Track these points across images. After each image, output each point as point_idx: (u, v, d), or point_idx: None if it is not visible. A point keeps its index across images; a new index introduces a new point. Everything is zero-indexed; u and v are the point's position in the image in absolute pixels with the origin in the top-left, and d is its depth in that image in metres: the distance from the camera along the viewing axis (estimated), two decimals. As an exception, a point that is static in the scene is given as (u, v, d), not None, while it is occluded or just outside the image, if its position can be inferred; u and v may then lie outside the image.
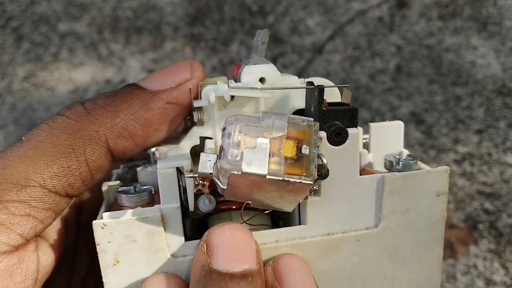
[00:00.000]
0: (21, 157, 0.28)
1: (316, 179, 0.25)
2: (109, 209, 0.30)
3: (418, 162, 0.32)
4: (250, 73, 0.31)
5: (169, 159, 0.29)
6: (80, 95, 1.18)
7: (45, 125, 0.29)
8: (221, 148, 0.24)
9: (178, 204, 0.28)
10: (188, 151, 0.31)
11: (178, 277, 0.29)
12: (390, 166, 0.32)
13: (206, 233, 0.27)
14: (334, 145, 0.28)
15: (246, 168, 0.23)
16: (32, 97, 1.19)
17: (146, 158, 0.35)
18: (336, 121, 0.28)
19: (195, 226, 0.33)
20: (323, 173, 0.26)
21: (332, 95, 0.32)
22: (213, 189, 0.28)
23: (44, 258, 0.30)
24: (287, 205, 0.26)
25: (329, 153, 0.28)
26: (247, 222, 0.29)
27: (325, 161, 0.26)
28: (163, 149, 0.31)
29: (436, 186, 0.30)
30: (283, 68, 1.20)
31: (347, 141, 0.28)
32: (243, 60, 0.33)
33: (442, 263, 0.33)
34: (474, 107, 1.13)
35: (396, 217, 0.30)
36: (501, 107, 1.12)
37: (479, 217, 0.94)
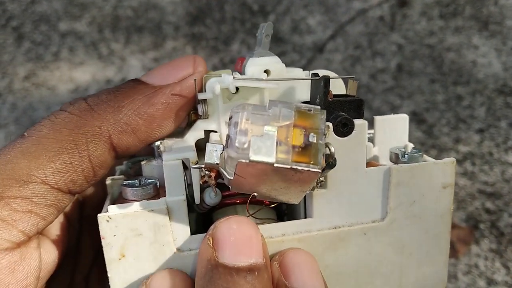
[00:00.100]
0: (24, 153, 0.27)
1: (324, 168, 0.25)
2: (113, 203, 0.30)
3: (424, 155, 0.32)
4: (255, 65, 0.31)
5: (175, 151, 0.29)
6: (80, 95, 1.17)
7: (47, 120, 0.29)
8: (228, 137, 0.24)
9: (184, 197, 0.28)
10: (193, 143, 0.31)
11: (183, 273, 0.29)
12: (395, 159, 0.31)
13: (212, 227, 0.27)
14: (340, 136, 0.28)
15: (253, 156, 0.22)
16: (32, 96, 1.19)
17: (149, 155, 0.34)
18: (342, 112, 0.28)
19: (200, 221, 0.33)
20: (330, 162, 0.26)
21: (337, 87, 0.32)
22: (218, 183, 0.28)
23: (46, 255, 0.30)
24: (294, 197, 0.26)
25: (335, 144, 0.27)
26: (253, 215, 0.29)
27: (332, 149, 0.25)
28: (168, 142, 0.31)
29: (442, 178, 0.30)
30: (284, 68, 1.20)
31: (354, 132, 0.28)
32: (247, 53, 0.33)
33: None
34: (475, 106, 1.13)
35: (402, 209, 0.30)
36: (502, 106, 1.12)
37: (480, 216, 0.94)
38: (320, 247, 0.30)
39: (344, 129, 0.28)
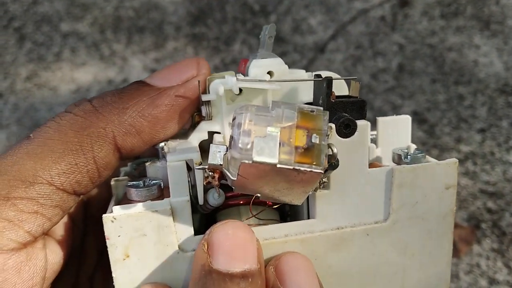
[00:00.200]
0: (29, 154, 0.28)
1: (327, 169, 0.25)
2: (118, 204, 0.30)
3: (426, 156, 0.32)
4: (258, 66, 0.31)
5: (179, 153, 0.29)
6: (82, 95, 1.18)
7: (53, 122, 0.29)
8: (231, 138, 0.24)
9: (187, 198, 0.28)
10: (197, 144, 0.31)
11: (166, 286, 0.29)
12: (398, 160, 0.32)
13: (208, 231, 0.27)
14: (343, 137, 0.28)
15: (256, 157, 0.23)
16: (34, 97, 1.19)
17: (153, 156, 0.35)
18: (345, 113, 0.28)
19: (204, 221, 0.33)
20: (333, 163, 0.26)
21: (340, 88, 0.32)
22: (222, 184, 0.28)
23: (52, 256, 0.30)
24: (297, 198, 0.26)
25: (338, 145, 0.27)
26: (256, 216, 0.29)
27: (335, 150, 0.26)
28: (172, 144, 0.31)
29: (445, 179, 0.30)
30: (285, 68, 1.20)
31: (356, 133, 0.28)
32: (250, 55, 0.33)
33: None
34: (477, 106, 1.13)
35: (405, 210, 0.30)
36: (504, 106, 1.12)
37: (482, 216, 0.94)
38: (323, 247, 0.30)
39: (346, 130, 0.28)
